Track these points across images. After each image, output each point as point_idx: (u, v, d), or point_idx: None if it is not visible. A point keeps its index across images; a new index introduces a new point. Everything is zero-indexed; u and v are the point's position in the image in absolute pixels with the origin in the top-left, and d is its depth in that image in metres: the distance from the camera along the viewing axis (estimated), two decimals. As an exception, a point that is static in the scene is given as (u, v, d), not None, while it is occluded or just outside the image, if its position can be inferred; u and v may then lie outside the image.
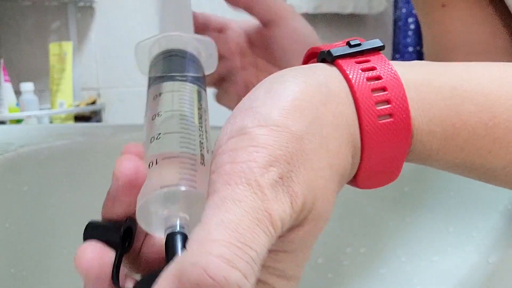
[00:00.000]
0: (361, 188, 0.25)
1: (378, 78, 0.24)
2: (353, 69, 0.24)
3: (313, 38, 0.50)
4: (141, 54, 0.34)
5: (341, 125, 0.23)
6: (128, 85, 1.90)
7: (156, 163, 0.25)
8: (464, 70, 0.26)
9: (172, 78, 0.30)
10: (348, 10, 1.88)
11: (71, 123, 1.75)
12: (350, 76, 0.24)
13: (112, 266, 0.23)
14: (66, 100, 1.69)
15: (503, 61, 0.28)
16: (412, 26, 1.78)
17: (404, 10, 1.80)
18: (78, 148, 0.48)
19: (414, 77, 0.25)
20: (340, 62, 0.24)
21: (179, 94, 0.28)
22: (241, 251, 0.18)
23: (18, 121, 1.60)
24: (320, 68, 0.24)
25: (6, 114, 1.57)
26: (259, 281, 0.21)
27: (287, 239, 0.21)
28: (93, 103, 1.82)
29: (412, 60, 0.27)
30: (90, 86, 1.90)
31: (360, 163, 0.24)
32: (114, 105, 1.91)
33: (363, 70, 0.24)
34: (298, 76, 0.24)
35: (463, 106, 0.25)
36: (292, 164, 0.20)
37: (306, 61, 0.28)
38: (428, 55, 0.59)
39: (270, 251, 0.20)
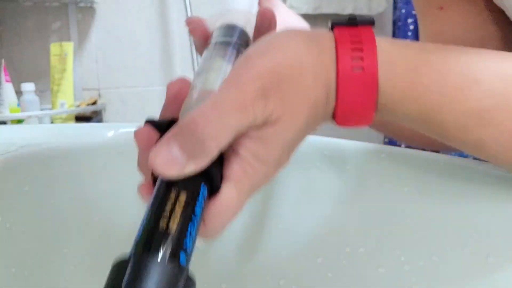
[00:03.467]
0: (340, 125, 0.33)
1: (360, 42, 0.32)
2: (342, 33, 0.32)
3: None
4: (210, 26, 0.44)
5: (320, 68, 0.31)
6: (128, 86, 1.90)
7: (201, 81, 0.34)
8: (435, 46, 0.34)
9: (222, 42, 0.41)
10: (348, 10, 1.88)
11: (72, 123, 1.75)
12: (337, 37, 0.32)
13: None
14: (67, 100, 1.70)
15: None
16: (411, 27, 1.78)
17: (403, 11, 1.80)
18: (79, 148, 0.48)
19: (390, 45, 0.33)
20: (336, 28, 0.33)
21: (225, 47, 0.39)
22: (219, 117, 0.27)
23: (19, 121, 1.60)
24: (320, 31, 0.33)
25: (7, 114, 1.57)
26: (239, 156, 0.29)
27: (263, 131, 0.29)
28: (94, 103, 1.82)
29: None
30: (91, 87, 1.90)
31: (336, 104, 0.32)
32: (114, 106, 1.91)
33: (350, 35, 0.32)
34: (297, 31, 0.33)
35: (422, 68, 0.33)
36: (273, 83, 0.29)
37: None
38: None
39: (251, 136, 0.29)
